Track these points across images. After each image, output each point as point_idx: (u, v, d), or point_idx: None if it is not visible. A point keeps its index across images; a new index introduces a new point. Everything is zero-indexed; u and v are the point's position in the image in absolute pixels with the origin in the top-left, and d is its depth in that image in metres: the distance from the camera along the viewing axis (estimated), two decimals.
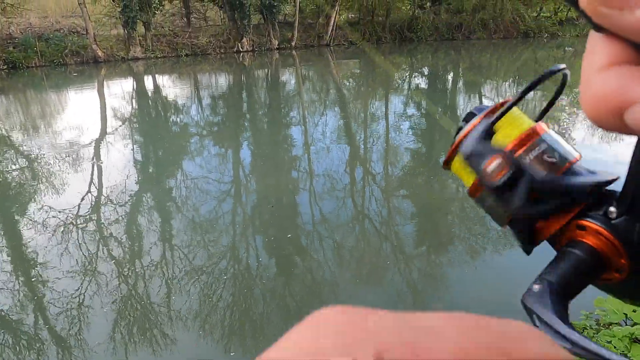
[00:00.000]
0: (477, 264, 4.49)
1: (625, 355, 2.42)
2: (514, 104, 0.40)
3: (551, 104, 0.45)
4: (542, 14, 30.15)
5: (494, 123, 0.39)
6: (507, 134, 0.39)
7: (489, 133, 0.39)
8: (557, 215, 0.37)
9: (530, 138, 0.38)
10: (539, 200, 0.37)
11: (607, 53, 0.25)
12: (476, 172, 0.38)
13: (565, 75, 0.41)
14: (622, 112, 0.24)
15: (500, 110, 0.40)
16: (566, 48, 24.05)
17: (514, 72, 18.10)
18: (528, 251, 0.41)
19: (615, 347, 2.47)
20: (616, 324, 2.86)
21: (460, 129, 0.41)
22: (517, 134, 0.38)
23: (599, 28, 0.25)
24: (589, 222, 0.36)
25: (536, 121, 0.41)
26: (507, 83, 15.74)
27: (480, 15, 28.31)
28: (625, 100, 0.24)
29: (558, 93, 0.43)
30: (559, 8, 30.05)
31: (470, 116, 0.41)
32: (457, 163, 0.41)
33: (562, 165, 0.37)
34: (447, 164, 0.42)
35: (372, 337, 0.17)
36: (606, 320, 2.93)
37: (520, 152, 0.37)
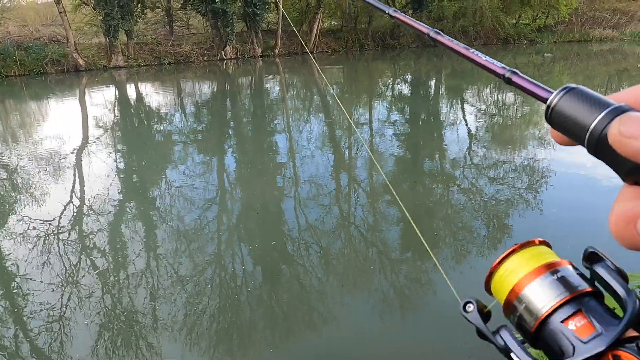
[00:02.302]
0: (463, 268, 4.53)
1: None
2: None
3: None
4: (520, 21, 30.74)
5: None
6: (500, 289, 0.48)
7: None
8: None
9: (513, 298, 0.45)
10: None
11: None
12: None
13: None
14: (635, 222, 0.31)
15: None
16: (545, 54, 24.53)
17: (495, 77, 18.31)
18: None
19: None
20: None
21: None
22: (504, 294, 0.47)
23: (629, 177, 0.34)
24: (625, 353, 0.35)
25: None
26: (487, 88, 15.97)
27: (461, 23, 28.74)
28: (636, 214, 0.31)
29: None
30: (537, 15, 30.68)
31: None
32: (495, 282, 0.47)
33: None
34: (488, 285, 0.49)
35: None
36: None
37: None
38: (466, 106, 13.33)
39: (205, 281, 4.42)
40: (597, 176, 6.58)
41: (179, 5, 26.79)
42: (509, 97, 14.20)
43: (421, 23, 0.59)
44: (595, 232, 5.04)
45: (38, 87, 19.24)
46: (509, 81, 0.46)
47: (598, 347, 0.36)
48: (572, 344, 0.38)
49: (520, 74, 0.45)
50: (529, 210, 5.79)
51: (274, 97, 16.10)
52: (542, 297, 0.41)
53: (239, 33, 26.26)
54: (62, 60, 22.27)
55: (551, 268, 0.43)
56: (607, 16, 30.27)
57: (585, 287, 0.41)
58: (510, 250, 0.46)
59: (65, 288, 4.37)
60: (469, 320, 0.46)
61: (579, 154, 7.83)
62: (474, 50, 0.51)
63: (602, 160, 0.35)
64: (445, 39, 0.55)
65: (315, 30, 27.65)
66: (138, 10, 24.18)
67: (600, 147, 0.34)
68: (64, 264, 4.84)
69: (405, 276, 4.48)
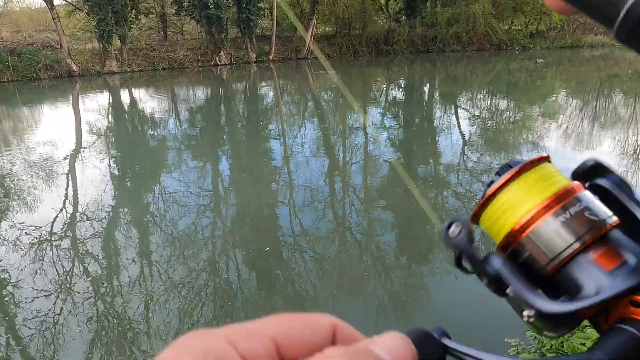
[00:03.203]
0: (458, 272, 4.53)
1: None
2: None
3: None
4: (513, 27, 31.03)
5: (474, 218, 0.39)
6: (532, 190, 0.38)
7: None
8: None
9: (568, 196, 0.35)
10: None
11: None
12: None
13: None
14: None
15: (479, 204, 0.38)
16: (537, 60, 24.75)
17: (488, 83, 18.50)
18: (558, 333, 0.35)
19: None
20: (589, 326, 2.91)
21: (491, 182, 0.39)
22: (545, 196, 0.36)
23: None
24: None
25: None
26: (481, 94, 16.08)
27: (454, 29, 28.96)
28: None
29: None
30: (529, 21, 30.97)
31: (504, 169, 0.39)
32: (489, 216, 0.38)
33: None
34: (476, 217, 0.39)
35: (221, 332, 0.26)
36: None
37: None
38: (460, 111, 13.40)
39: (199, 287, 4.40)
40: None
41: (173, 11, 26.82)
42: (502, 102, 14.30)
43: None
44: None
45: (31, 93, 19.15)
46: None
47: (629, 281, 0.31)
48: (596, 282, 0.32)
49: None
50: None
51: (268, 103, 16.11)
52: (557, 239, 0.34)
53: (233, 39, 26.30)
54: (55, 66, 22.20)
55: (566, 198, 0.35)
56: None
57: (613, 220, 0.34)
58: (509, 176, 0.37)
59: (58, 295, 4.33)
60: (451, 245, 0.37)
61: (573, 159, 7.89)
62: None
63: (635, 50, 0.27)
64: None
65: (309, 35, 27.73)
66: (132, 15, 24.18)
67: (637, 34, 0.25)
68: (56, 270, 4.80)
69: (400, 281, 4.48)
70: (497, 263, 0.35)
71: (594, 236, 0.33)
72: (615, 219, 0.34)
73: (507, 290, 0.34)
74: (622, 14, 0.25)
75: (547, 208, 0.34)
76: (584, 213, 0.34)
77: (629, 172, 7.03)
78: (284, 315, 0.28)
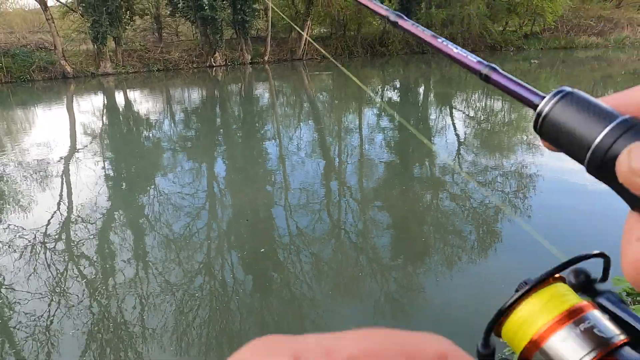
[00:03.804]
0: (453, 273, 4.55)
1: None
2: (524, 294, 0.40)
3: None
4: (507, 28, 31.17)
5: (489, 329, 0.41)
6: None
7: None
8: None
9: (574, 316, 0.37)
10: None
11: None
12: None
13: (606, 262, 0.40)
14: None
15: (499, 311, 0.41)
16: (532, 61, 24.85)
17: (483, 83, 18.50)
18: None
19: None
20: None
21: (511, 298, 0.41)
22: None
23: (636, 206, 0.28)
24: None
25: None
26: (476, 95, 16.12)
27: (449, 30, 29.06)
28: None
29: (604, 278, 0.42)
30: (523, 22, 31.12)
31: (522, 286, 0.41)
32: (509, 328, 0.40)
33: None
34: (498, 329, 0.41)
35: (292, 346, 0.21)
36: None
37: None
38: (455, 112, 13.44)
39: (195, 289, 4.38)
40: (584, 181, 6.66)
41: (168, 13, 26.74)
42: (497, 103, 14.34)
43: (380, 4, 0.51)
44: (586, 234, 5.10)
45: (25, 94, 19.05)
46: (486, 79, 0.39)
47: None
48: None
49: (501, 71, 0.38)
50: (517, 216, 5.84)
51: (263, 104, 16.10)
52: (570, 353, 0.35)
53: (228, 40, 26.27)
54: (49, 67, 22.10)
55: (576, 315, 0.37)
56: (592, 23, 30.79)
57: (621, 338, 0.36)
58: (524, 291, 0.40)
59: (52, 297, 4.31)
60: None
61: (567, 160, 7.91)
62: (443, 39, 0.42)
63: (605, 183, 0.30)
64: (408, 24, 0.46)
65: (304, 37, 27.74)
66: (127, 17, 24.10)
67: (604, 170, 0.29)
68: (51, 272, 4.77)
69: (397, 282, 4.48)
70: None
71: (603, 352, 0.34)
72: (622, 337, 0.35)
73: None
74: (588, 156, 0.29)
75: (560, 323, 0.36)
76: (593, 330, 0.35)
77: None
78: (379, 331, 0.22)
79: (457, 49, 0.41)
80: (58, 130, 12.32)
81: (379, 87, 18.87)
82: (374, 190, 7.09)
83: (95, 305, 4.19)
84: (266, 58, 27.01)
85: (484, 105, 14.63)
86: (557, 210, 5.89)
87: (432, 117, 13.05)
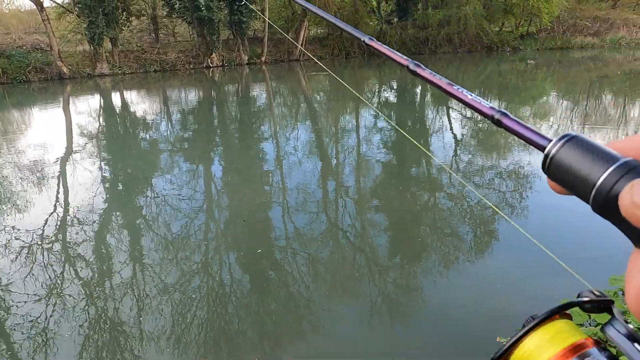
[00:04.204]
0: (450, 273, 4.55)
1: None
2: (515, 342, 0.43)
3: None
4: (504, 29, 31.24)
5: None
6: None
7: None
8: None
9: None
10: None
11: None
12: None
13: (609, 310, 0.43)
14: None
15: (507, 344, 0.44)
16: (528, 61, 24.92)
17: (480, 84, 18.61)
18: None
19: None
20: (580, 324, 2.93)
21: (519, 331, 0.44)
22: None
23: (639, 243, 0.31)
24: None
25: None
26: (473, 95, 16.12)
27: (445, 30, 29.13)
28: None
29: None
30: (519, 23, 31.21)
31: (529, 320, 0.44)
32: (517, 358, 0.43)
33: None
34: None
35: None
36: None
37: None
38: (451, 113, 13.46)
39: (192, 290, 4.37)
40: None
41: (165, 13, 26.71)
42: (494, 103, 14.32)
43: (399, 54, 0.54)
44: (584, 236, 5.12)
45: (21, 95, 18.98)
46: (498, 123, 0.42)
47: None
48: None
49: (512, 117, 0.41)
50: (513, 217, 5.85)
51: (260, 105, 16.09)
52: None
53: (225, 41, 26.26)
54: (45, 68, 22.04)
55: (578, 351, 0.40)
56: (588, 24, 30.89)
57: None
58: (530, 327, 0.43)
59: (49, 299, 4.29)
60: None
61: None
62: (459, 87, 0.46)
63: (609, 220, 0.31)
64: (426, 73, 0.50)
65: (301, 37, 27.77)
66: (123, 18, 24.06)
67: (607, 208, 0.30)
68: (47, 274, 4.75)
69: (394, 282, 4.49)
70: None
71: None
72: None
73: None
74: (592, 194, 0.31)
75: (564, 357, 0.40)
76: None
77: None
78: None
79: (471, 95, 0.45)
80: (54, 132, 12.28)
81: (376, 87, 18.88)
82: (370, 191, 7.09)
83: (92, 307, 4.18)
84: (263, 59, 27.01)
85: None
86: (555, 211, 5.91)
87: (429, 117, 13.07)
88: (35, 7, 21.83)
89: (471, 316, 3.67)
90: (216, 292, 4.40)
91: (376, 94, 17.39)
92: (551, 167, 0.34)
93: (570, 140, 0.34)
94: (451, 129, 11.21)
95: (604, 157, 0.31)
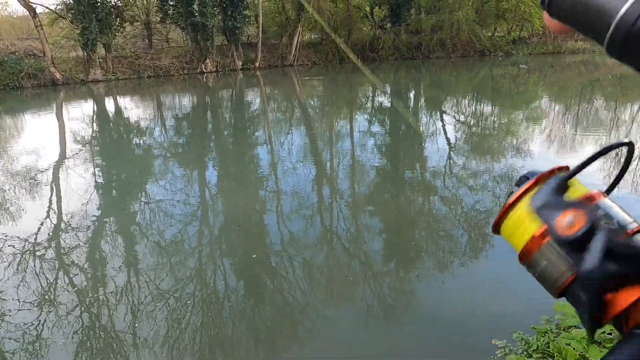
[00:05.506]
0: (445, 277, 4.56)
1: (584, 357, 2.49)
2: (583, 166, 0.37)
3: (619, 177, 0.42)
4: (496, 34, 31.50)
5: (568, 178, 0.37)
6: (576, 190, 0.37)
7: (562, 188, 0.36)
8: (631, 287, 0.32)
9: (591, 201, 0.35)
10: (612, 262, 0.32)
11: None
12: (548, 225, 0.35)
13: (631, 149, 0.38)
14: None
15: (577, 165, 0.37)
16: (520, 65, 25.11)
17: (473, 88, 18.72)
18: (592, 331, 0.35)
19: (574, 349, 2.54)
20: (574, 326, 2.95)
21: (511, 193, 0.39)
22: (581, 193, 0.36)
23: None
24: None
25: (606, 192, 0.38)
26: (466, 99, 16.25)
27: (438, 35, 29.30)
28: None
29: (625, 166, 0.41)
30: (511, 28, 31.47)
31: (522, 180, 0.40)
32: (509, 225, 0.38)
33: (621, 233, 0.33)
34: (497, 227, 0.40)
35: None
36: (565, 323, 3.03)
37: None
38: (445, 117, 13.53)
39: (186, 296, 4.35)
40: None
41: (158, 19, 26.70)
42: (487, 108, 14.47)
43: None
44: None
45: (13, 102, 18.88)
46: None
47: None
48: None
49: None
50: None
51: (255, 110, 16.09)
52: None
53: (219, 46, 26.27)
54: (38, 74, 21.94)
55: (589, 203, 0.35)
56: None
57: (633, 226, 0.34)
58: (530, 184, 0.37)
59: (42, 307, 4.26)
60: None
61: (561, 162, 7.99)
62: None
63: (627, 63, 0.25)
64: None
65: (295, 43, 27.84)
66: (116, 23, 24.01)
67: (630, 45, 0.23)
68: (40, 282, 4.72)
69: (389, 287, 4.49)
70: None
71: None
72: (635, 225, 0.33)
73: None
74: (610, 29, 0.24)
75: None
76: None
77: (611, 176, 7.15)
78: None
79: None
80: (47, 138, 12.22)
81: (370, 92, 18.95)
82: (365, 195, 7.10)
83: (85, 313, 4.15)
84: (257, 64, 27.04)
85: (474, 109, 14.74)
86: None
87: (423, 121, 13.12)
88: (27, 13, 21.76)
89: (465, 319, 3.68)
90: (211, 297, 4.38)
91: (370, 98, 17.44)
92: (553, 0, 0.28)
93: None
94: (445, 132, 11.26)
95: None
